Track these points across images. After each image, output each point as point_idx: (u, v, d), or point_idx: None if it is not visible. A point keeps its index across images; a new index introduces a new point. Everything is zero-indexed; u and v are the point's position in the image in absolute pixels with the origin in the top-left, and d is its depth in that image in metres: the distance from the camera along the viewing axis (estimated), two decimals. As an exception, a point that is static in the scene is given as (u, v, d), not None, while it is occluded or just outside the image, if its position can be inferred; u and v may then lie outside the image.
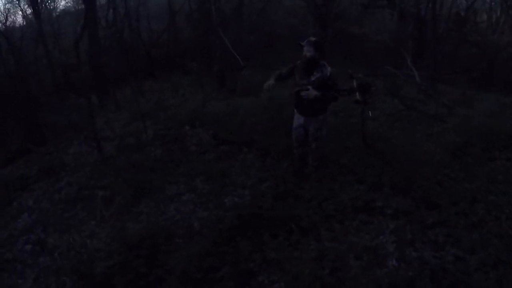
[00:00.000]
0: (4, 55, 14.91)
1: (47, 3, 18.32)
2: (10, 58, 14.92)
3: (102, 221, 4.82)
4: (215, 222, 4.24)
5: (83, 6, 13.61)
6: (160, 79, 13.83)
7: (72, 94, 13.04)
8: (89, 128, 6.98)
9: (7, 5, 20.57)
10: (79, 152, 7.38)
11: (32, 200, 5.87)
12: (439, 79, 9.68)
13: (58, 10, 19.14)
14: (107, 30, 15.04)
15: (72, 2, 15.31)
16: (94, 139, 6.65)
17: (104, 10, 15.93)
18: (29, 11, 16.14)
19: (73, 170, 6.55)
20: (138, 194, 5.22)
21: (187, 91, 11.10)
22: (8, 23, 19.55)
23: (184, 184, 5.34)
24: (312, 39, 4.63)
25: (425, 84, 8.90)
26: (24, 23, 19.58)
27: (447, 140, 5.85)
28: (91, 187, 5.73)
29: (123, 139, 7.39)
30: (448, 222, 3.93)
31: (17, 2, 19.10)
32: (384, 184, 4.59)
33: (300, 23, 14.13)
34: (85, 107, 9.26)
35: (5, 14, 19.70)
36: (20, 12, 20.22)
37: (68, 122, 9.60)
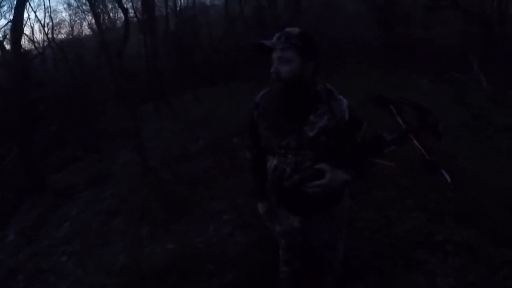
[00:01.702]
0: (70, 63, 15.55)
1: (110, 14, 18.89)
2: (75, 67, 15.56)
3: (137, 238, 4.63)
4: (251, 249, 3.84)
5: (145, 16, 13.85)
6: (218, 86, 13.77)
7: (132, 102, 13.32)
8: (136, 138, 6.88)
9: (72, 16, 21.39)
10: (126, 162, 7.36)
11: (75, 210, 5.86)
12: (510, 85, 8.81)
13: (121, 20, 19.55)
14: (166, 37, 15.23)
15: (134, 13, 15.51)
16: (139, 150, 6.53)
17: (163, 19, 16.15)
18: (93, 21, 16.71)
19: (118, 181, 6.53)
20: (179, 209, 4.96)
21: (242, 99, 10.89)
22: (74, 33, 20.45)
23: (227, 201, 4.96)
24: (292, 30, 1.97)
25: (494, 90, 8.10)
26: (90, 33, 20.43)
27: (522, 157, 5.04)
28: (133, 200, 5.58)
29: (173, 149, 7.25)
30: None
31: (82, 13, 19.89)
32: (447, 212, 3.90)
33: (362, 29, 13.57)
34: (141, 115, 9.36)
35: (71, 25, 20.56)
36: (85, 23, 21.00)
37: (123, 130, 9.61)
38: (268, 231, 4.02)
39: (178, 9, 16.39)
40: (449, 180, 2.03)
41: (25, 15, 11.90)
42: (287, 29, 1.98)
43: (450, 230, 3.66)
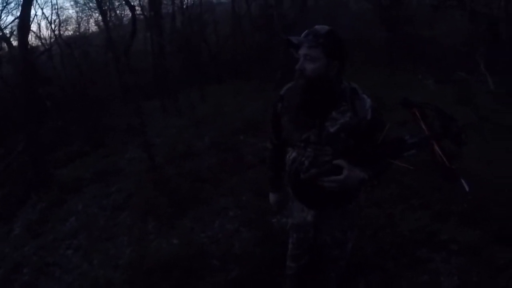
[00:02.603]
0: (77, 60, 15.61)
1: (117, 11, 18.91)
2: (82, 63, 15.62)
3: (143, 233, 4.65)
4: (256, 246, 3.86)
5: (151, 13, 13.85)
6: (224, 83, 13.80)
7: (137, 98, 13.35)
8: (142, 134, 6.89)
9: (79, 13, 21.48)
10: (133, 158, 7.38)
11: (81, 204, 5.85)
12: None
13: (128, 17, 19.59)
14: (173, 35, 15.25)
15: (140, 10, 15.52)
16: (145, 146, 6.55)
17: (170, 16, 16.15)
18: (100, 18, 16.75)
19: (124, 176, 6.54)
20: (185, 205, 4.99)
21: (248, 97, 10.90)
22: (81, 30, 20.52)
23: (233, 198, 5.01)
24: (321, 28, 1.96)
25: (500, 91, 8.04)
26: (97, 29, 20.50)
27: (529, 159, 4.95)
28: (139, 196, 5.60)
29: (179, 145, 7.27)
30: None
31: (88, 10, 19.97)
32: (452, 212, 3.89)
33: (367, 27, 13.55)
34: (147, 112, 9.38)
35: (78, 22, 20.63)
36: (92, 20, 21.05)
37: (129, 126, 9.64)
38: (273, 228, 4.08)
39: (184, 6, 16.36)
40: (467, 189, 2.01)
41: (32, 12, 11.94)
42: (316, 27, 1.98)
43: (454, 229, 3.65)
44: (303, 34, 1.97)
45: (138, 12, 15.47)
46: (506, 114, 6.77)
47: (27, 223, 5.81)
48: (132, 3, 14.79)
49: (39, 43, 17.48)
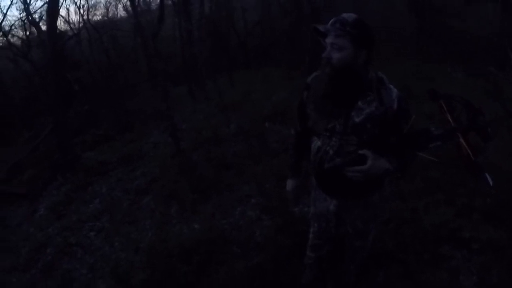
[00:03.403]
0: (105, 44, 15.73)
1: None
2: (110, 48, 15.73)
3: (165, 217, 4.63)
4: (277, 234, 3.77)
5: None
6: (253, 69, 13.70)
7: (165, 83, 13.38)
8: (169, 119, 6.86)
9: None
10: (158, 142, 7.40)
11: (106, 187, 5.90)
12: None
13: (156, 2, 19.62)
14: (201, 21, 15.19)
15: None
16: (171, 132, 6.52)
17: (198, 2, 16.08)
18: (128, 3, 16.82)
19: (149, 160, 6.57)
20: (208, 191, 4.94)
21: (276, 83, 10.75)
22: (109, 15, 20.69)
23: (256, 186, 4.91)
24: (348, 17, 1.88)
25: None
26: (125, 15, 20.64)
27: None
28: (162, 180, 5.59)
29: (205, 131, 7.22)
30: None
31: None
32: (475, 208, 3.69)
33: (396, 16, 13.23)
34: (175, 97, 9.37)
35: (106, 7, 20.81)
36: (120, 5, 21.22)
37: (156, 111, 9.64)
38: (294, 217, 3.99)
39: (213, -8, 16.25)
40: (491, 183, 1.93)
41: (61, -3, 12.01)
42: (343, 15, 1.91)
43: (477, 227, 3.49)
44: (330, 22, 1.90)
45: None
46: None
47: (52, 204, 5.88)
48: (161, -12, 14.72)
49: (68, 28, 17.68)
